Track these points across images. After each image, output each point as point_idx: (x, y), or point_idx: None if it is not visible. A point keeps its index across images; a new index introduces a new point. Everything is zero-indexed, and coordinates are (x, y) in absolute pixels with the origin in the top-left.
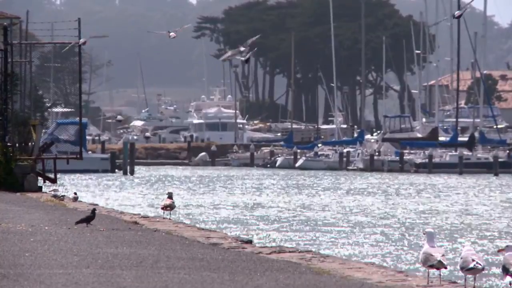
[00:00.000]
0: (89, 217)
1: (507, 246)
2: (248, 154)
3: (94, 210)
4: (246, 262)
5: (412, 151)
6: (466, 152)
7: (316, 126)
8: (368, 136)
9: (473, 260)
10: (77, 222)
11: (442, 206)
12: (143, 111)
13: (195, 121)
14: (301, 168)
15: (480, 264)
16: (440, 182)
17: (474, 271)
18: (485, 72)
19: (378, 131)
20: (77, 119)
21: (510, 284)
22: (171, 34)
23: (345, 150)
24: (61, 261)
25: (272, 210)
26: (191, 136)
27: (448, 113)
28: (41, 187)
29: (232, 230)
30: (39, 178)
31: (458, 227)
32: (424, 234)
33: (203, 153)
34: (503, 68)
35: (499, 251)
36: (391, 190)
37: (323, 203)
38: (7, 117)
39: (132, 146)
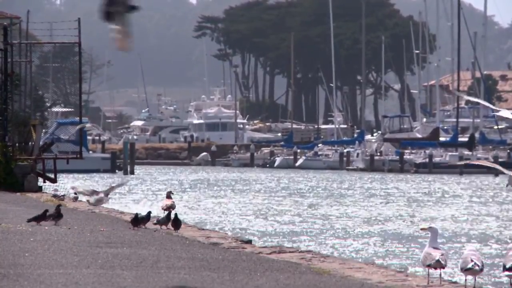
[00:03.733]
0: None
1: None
2: (248, 154)
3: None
4: (246, 262)
5: (412, 151)
6: (466, 152)
7: (316, 126)
8: (368, 136)
9: (471, 261)
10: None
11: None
12: (143, 111)
13: (195, 121)
14: (301, 167)
15: (478, 266)
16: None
17: (472, 271)
18: (485, 72)
19: (378, 131)
20: (77, 118)
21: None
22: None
23: (345, 150)
24: (61, 261)
25: (272, 210)
26: (191, 136)
27: (448, 113)
28: (41, 187)
29: (232, 230)
30: (39, 178)
31: (459, 231)
32: (422, 230)
33: (205, 153)
34: (503, 68)
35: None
36: (390, 192)
37: (323, 203)
38: (7, 117)
39: (132, 146)
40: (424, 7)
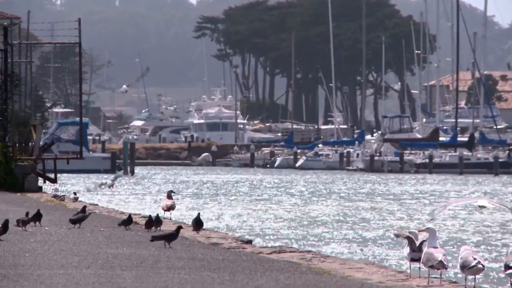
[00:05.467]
0: (172, 235)
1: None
2: (248, 154)
3: (179, 227)
4: (247, 262)
5: (412, 152)
6: (466, 153)
7: (316, 127)
8: (368, 137)
9: (474, 259)
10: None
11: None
12: (143, 111)
13: (196, 121)
14: (301, 168)
15: (481, 264)
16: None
17: (475, 270)
18: (485, 72)
19: (378, 132)
20: (78, 119)
21: (510, 277)
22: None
23: (345, 151)
24: (61, 262)
25: (273, 211)
26: (192, 136)
27: (448, 113)
28: (41, 187)
29: (233, 230)
30: (40, 178)
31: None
32: (419, 232)
33: (206, 154)
34: (503, 69)
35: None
36: (392, 193)
37: (323, 204)
38: (8, 117)
39: (132, 146)
40: (425, 8)
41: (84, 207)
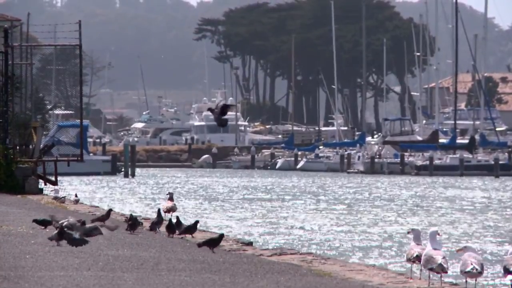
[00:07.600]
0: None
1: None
2: (249, 156)
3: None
4: (247, 264)
5: (411, 154)
6: (466, 155)
7: (317, 128)
8: (369, 138)
9: (471, 264)
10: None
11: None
12: (144, 113)
13: (196, 123)
14: (302, 169)
15: (476, 269)
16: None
17: (471, 274)
18: (485, 74)
19: (379, 133)
20: (78, 121)
21: (511, 281)
22: None
23: (346, 152)
24: (62, 264)
25: (273, 213)
26: (192, 138)
27: (448, 115)
28: (42, 189)
29: (233, 232)
30: (40, 180)
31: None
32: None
33: (206, 156)
34: (503, 71)
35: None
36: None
37: (324, 206)
38: (8, 119)
39: (133, 148)
40: (425, 10)
41: (110, 210)
